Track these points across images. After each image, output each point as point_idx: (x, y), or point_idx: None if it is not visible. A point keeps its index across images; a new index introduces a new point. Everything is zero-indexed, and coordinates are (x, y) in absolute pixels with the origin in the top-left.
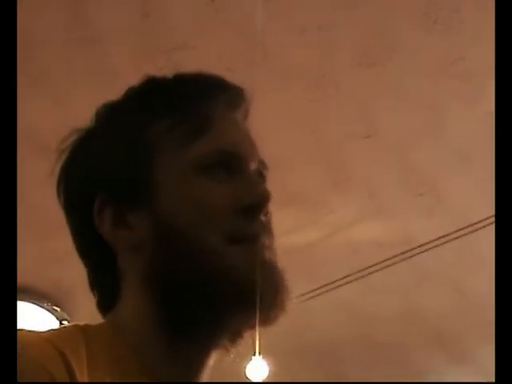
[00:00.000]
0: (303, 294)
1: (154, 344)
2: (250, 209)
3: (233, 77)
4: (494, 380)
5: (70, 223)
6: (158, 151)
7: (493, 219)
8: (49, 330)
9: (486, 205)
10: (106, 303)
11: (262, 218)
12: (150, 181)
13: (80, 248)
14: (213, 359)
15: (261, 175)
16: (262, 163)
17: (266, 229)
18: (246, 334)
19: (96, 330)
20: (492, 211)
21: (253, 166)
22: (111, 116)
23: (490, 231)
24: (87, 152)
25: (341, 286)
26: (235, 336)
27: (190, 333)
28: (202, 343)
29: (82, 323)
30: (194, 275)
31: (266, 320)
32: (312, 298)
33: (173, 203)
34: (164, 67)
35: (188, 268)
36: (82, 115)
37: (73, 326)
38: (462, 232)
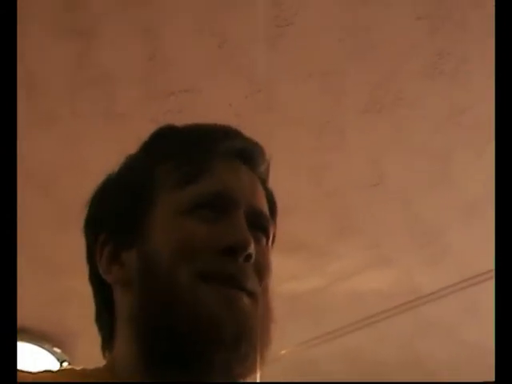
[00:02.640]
0: (306, 341)
1: None
2: (229, 251)
3: (238, 122)
4: None
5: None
6: (157, 192)
7: None
8: (46, 371)
9: (491, 256)
10: (106, 344)
11: (243, 262)
12: (145, 221)
13: (90, 283)
14: None
15: (252, 224)
16: (256, 212)
17: (247, 274)
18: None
19: (94, 375)
20: None
21: (243, 211)
22: (123, 163)
23: None
24: (98, 195)
25: (344, 334)
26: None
27: (177, 374)
28: None
29: (78, 368)
30: (167, 312)
31: (239, 369)
32: (315, 345)
33: (159, 242)
34: (170, 110)
35: (163, 304)
36: (88, 156)
37: (70, 369)
38: (467, 283)
